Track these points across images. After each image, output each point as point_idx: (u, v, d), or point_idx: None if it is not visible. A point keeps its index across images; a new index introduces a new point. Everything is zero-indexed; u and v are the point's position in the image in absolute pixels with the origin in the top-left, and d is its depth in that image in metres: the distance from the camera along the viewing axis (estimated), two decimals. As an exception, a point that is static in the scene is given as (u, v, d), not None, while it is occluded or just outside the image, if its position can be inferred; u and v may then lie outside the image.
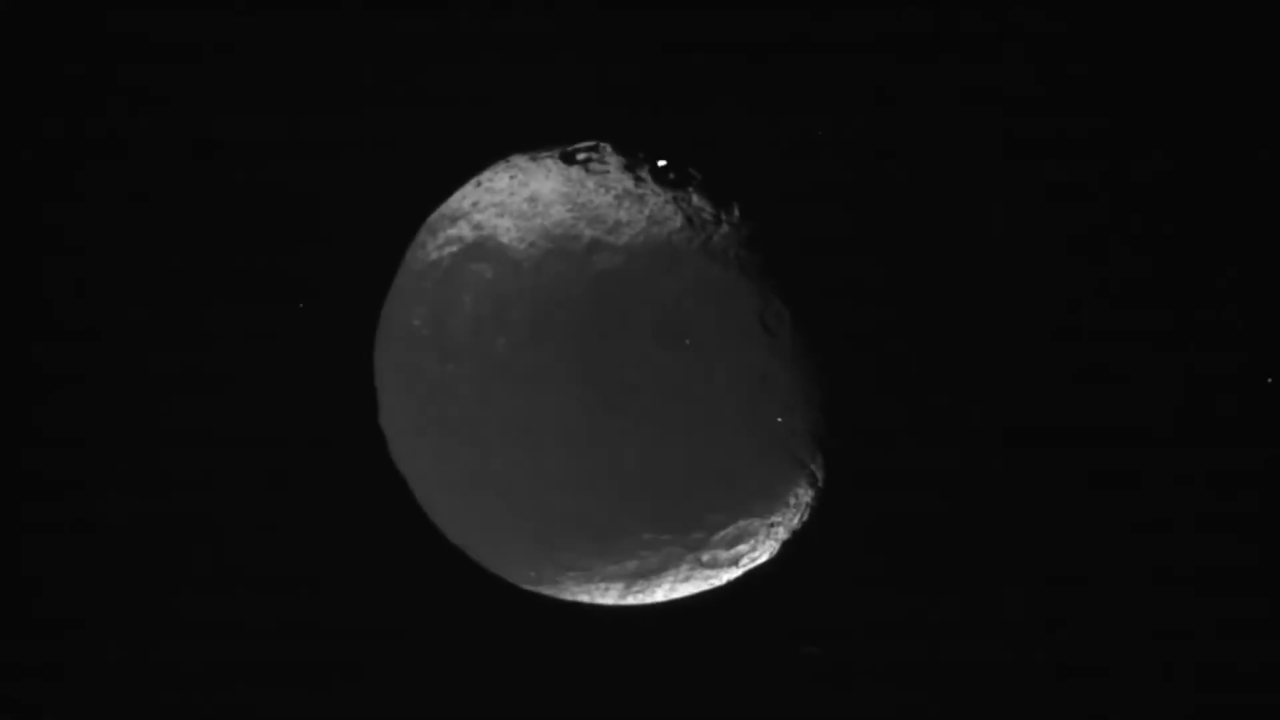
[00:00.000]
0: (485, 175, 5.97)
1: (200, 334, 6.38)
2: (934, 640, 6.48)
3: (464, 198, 5.95)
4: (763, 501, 5.79)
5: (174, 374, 6.38)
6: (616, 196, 5.63)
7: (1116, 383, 6.34)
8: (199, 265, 6.37)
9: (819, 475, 5.84)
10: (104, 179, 6.38)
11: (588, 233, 5.57)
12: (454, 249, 5.78)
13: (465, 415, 5.67)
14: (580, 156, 5.80)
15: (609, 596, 6.03)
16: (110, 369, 6.38)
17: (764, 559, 6.07)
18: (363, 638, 6.43)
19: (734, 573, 6.05)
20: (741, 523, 5.79)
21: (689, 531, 5.72)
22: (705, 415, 5.52)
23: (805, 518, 5.98)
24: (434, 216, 6.05)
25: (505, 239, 5.66)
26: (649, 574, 5.88)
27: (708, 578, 6.00)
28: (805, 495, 5.87)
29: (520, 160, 5.92)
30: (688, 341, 5.42)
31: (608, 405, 5.49)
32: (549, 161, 5.82)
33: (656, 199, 5.63)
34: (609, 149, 5.79)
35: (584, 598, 6.07)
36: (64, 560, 6.40)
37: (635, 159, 5.74)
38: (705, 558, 5.85)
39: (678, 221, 5.59)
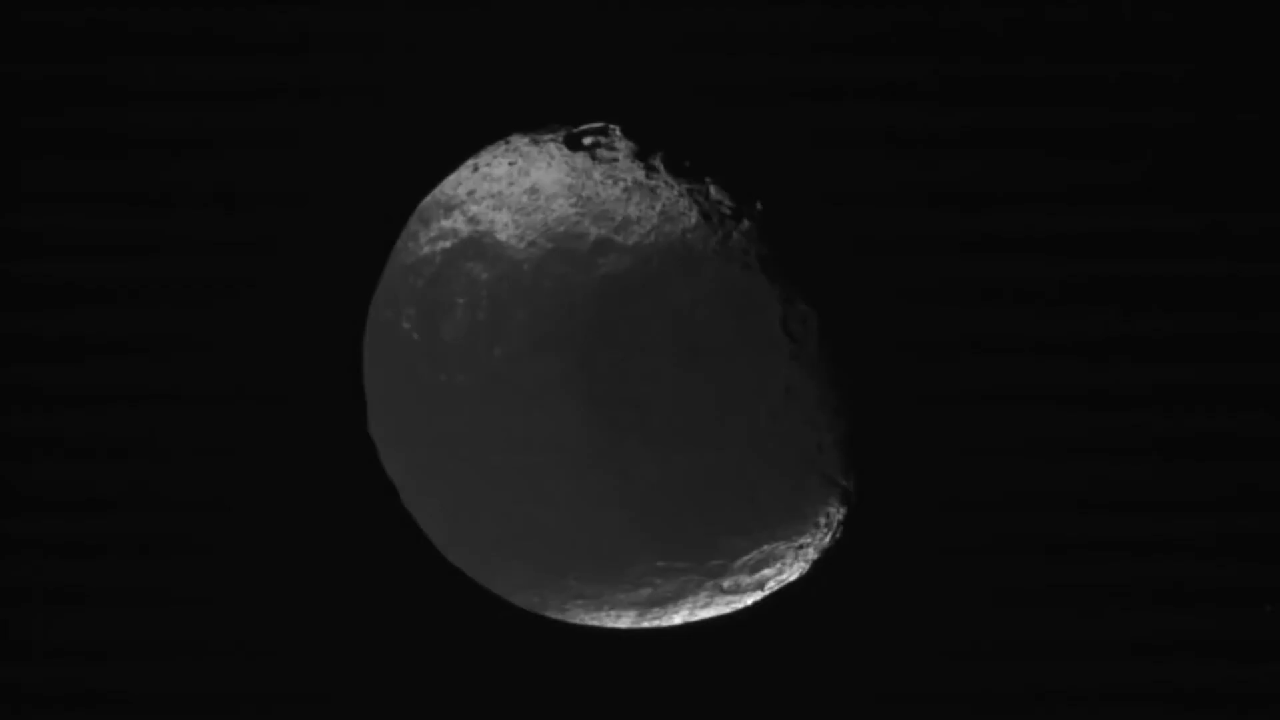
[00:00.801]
0: (483, 158, 5.70)
1: (188, 330, 6.24)
2: (969, 658, 6.32)
3: (459, 184, 5.68)
4: (790, 523, 5.56)
5: (148, 377, 6.21)
6: (625, 189, 5.36)
7: (1166, 392, 6.14)
8: (177, 256, 6.20)
9: (852, 491, 5.59)
10: (79, 173, 6.20)
11: (593, 231, 5.30)
12: (447, 244, 5.54)
13: (458, 430, 5.45)
14: (587, 141, 5.52)
15: (621, 622, 5.85)
16: (91, 370, 6.22)
17: (793, 579, 5.85)
18: (354, 657, 6.30)
19: (759, 595, 5.83)
20: (766, 547, 5.57)
21: (707, 559, 5.52)
22: (723, 433, 5.28)
23: (839, 535, 5.75)
24: (426, 202, 5.80)
25: (503, 235, 5.41)
26: (664, 601, 5.70)
27: (730, 603, 5.80)
28: (837, 513, 5.63)
29: (521, 142, 5.65)
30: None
31: (614, 423, 5.23)
32: (552, 146, 5.55)
33: (670, 192, 5.35)
34: (618, 132, 5.50)
35: (594, 623, 5.88)
36: (44, 570, 6.26)
37: (648, 145, 5.46)
38: (726, 584, 5.65)
39: (693, 218, 5.32)
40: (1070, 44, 6.05)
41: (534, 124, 5.71)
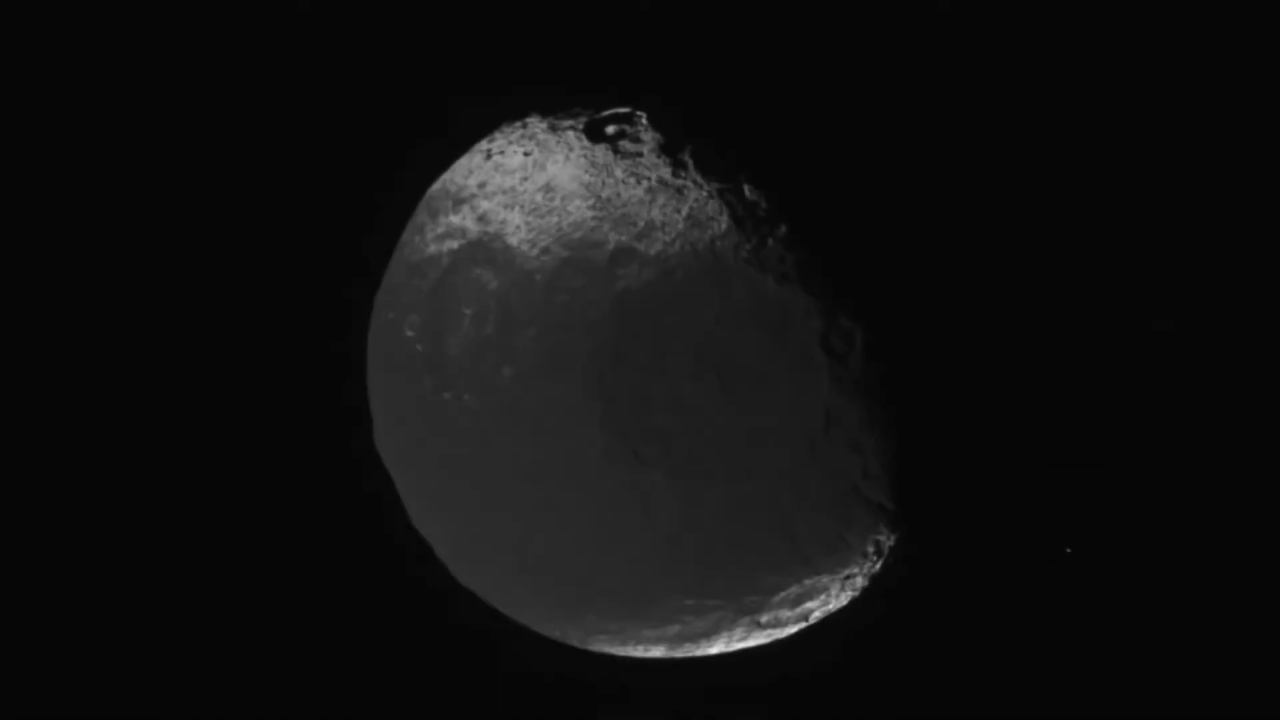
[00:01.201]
0: (497, 144, 5.26)
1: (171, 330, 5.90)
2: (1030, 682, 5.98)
3: (470, 172, 5.25)
4: (833, 555, 5.13)
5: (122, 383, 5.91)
6: (649, 189, 4.90)
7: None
8: (156, 242, 5.88)
9: (903, 516, 5.15)
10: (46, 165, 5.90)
11: (612, 238, 4.87)
12: (454, 245, 5.14)
13: (466, 454, 5.07)
14: (610, 130, 5.06)
15: (652, 654, 5.48)
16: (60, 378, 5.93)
17: (841, 606, 5.45)
18: (359, 683, 5.98)
19: (804, 625, 5.43)
20: (808, 581, 5.16)
21: (742, 596, 5.13)
22: (755, 464, 4.85)
23: (890, 562, 5.32)
24: (436, 188, 5.40)
25: (514, 240, 5.00)
26: (696, 636, 5.32)
27: (771, 635, 5.41)
28: (887, 540, 5.20)
29: (538, 128, 5.20)
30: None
31: (633, 453, 4.82)
32: (571, 135, 5.09)
33: (698, 192, 4.88)
34: (644, 121, 5.04)
35: (621, 654, 5.52)
36: (24, 585, 5.98)
37: (676, 138, 4.99)
38: (765, 619, 5.26)
39: (724, 222, 4.85)
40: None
41: (553, 104, 5.25)
